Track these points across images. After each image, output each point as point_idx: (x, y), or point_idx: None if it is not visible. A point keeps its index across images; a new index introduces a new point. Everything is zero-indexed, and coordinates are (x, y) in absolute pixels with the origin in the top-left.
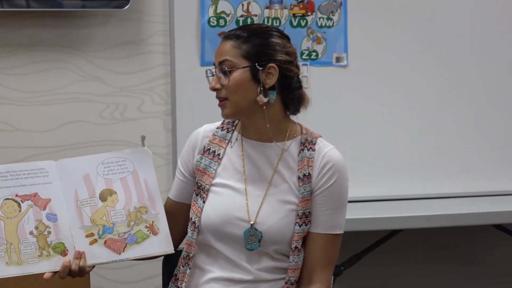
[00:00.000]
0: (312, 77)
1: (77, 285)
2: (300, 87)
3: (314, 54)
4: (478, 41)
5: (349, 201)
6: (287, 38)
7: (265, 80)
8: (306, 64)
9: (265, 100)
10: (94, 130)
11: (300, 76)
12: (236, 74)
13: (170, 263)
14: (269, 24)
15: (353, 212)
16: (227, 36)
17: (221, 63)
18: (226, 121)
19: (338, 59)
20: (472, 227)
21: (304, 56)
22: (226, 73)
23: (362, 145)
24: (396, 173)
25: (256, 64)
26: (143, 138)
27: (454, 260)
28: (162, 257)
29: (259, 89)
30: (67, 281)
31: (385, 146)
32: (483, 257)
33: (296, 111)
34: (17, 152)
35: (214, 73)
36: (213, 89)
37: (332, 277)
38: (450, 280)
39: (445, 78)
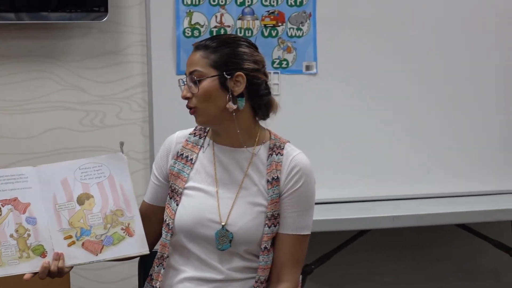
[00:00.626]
0: (283, 85)
1: (58, 285)
2: (269, 93)
3: (285, 62)
4: (441, 46)
5: (320, 203)
6: (254, 47)
7: (234, 88)
8: (277, 72)
9: (234, 107)
10: (75, 137)
11: (268, 83)
12: (205, 83)
13: (145, 264)
14: (240, 34)
15: (323, 213)
16: (197, 47)
17: (191, 73)
18: (198, 127)
19: (307, 67)
20: (437, 227)
21: (275, 65)
22: (196, 83)
23: (330, 148)
24: (363, 176)
25: (224, 73)
26: (121, 144)
27: (420, 258)
28: (138, 258)
29: (228, 97)
30: (48, 281)
31: (352, 149)
32: (448, 255)
33: (265, 116)
34: (1, 158)
35: (185, 82)
36: (185, 97)
37: (301, 276)
38: (417, 277)
39: (406, 84)
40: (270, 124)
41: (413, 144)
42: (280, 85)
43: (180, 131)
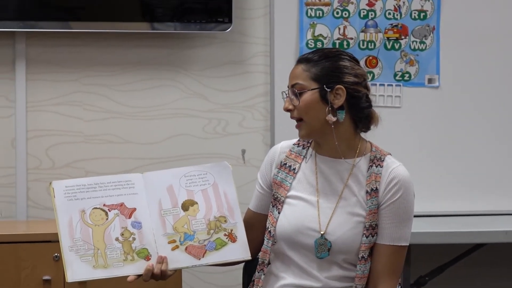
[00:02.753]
0: (404, 97)
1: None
2: (370, 106)
3: (407, 75)
4: None
5: (435, 215)
6: (356, 61)
7: (333, 101)
8: (400, 85)
9: (334, 119)
10: (198, 144)
11: (369, 96)
12: (306, 96)
13: (250, 271)
14: (363, 46)
15: (437, 226)
16: (299, 60)
17: (293, 86)
18: (303, 139)
19: (430, 81)
20: None
21: (397, 77)
22: (297, 95)
23: (451, 161)
24: (477, 189)
25: (324, 86)
26: (243, 151)
27: None
28: (243, 265)
29: (327, 109)
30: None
31: (471, 163)
32: None
33: (366, 129)
34: (126, 163)
35: (287, 94)
36: (286, 109)
37: (399, 286)
38: None
39: None
40: (387, 135)
41: None
42: (402, 97)
43: (284, 141)
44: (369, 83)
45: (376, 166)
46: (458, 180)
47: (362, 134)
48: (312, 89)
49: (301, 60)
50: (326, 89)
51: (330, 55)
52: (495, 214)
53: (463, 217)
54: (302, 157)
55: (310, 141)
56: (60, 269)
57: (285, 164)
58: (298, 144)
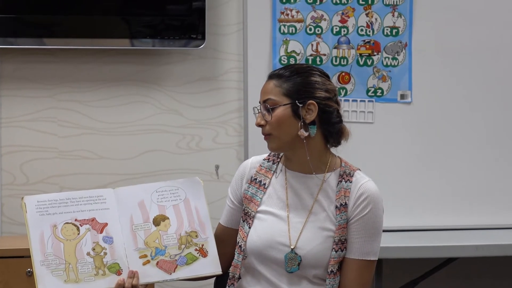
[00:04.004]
0: (377, 113)
1: None
2: (340, 121)
3: (379, 91)
4: None
5: (407, 230)
6: (326, 76)
7: (305, 116)
8: (372, 101)
9: (306, 134)
10: (172, 159)
11: (340, 111)
12: (278, 111)
13: (221, 285)
14: (335, 62)
15: (409, 241)
16: (270, 76)
17: (265, 101)
18: (272, 153)
19: (402, 96)
20: None
21: (370, 93)
22: (269, 110)
23: (422, 177)
24: (451, 205)
25: (297, 101)
26: (217, 167)
27: None
28: (214, 279)
29: (300, 124)
30: None
31: (443, 178)
32: None
33: (336, 143)
34: (100, 178)
35: (259, 110)
36: (258, 125)
37: None
38: None
39: (500, 115)
40: (360, 150)
41: (503, 177)
42: (375, 113)
43: (254, 157)
44: (339, 99)
45: (346, 181)
46: (429, 195)
47: (332, 150)
48: (284, 105)
49: (273, 76)
50: (298, 104)
51: (301, 71)
52: (466, 229)
53: (434, 232)
54: (272, 172)
55: (280, 156)
56: (33, 284)
57: (256, 179)
58: (268, 159)
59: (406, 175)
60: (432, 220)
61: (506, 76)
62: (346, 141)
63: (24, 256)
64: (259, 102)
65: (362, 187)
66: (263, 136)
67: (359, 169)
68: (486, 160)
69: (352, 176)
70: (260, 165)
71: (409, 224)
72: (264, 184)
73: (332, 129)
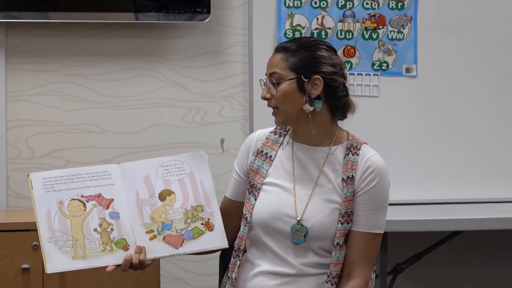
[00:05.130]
0: (382, 86)
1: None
2: (346, 95)
3: (385, 65)
4: None
5: (413, 204)
6: (333, 50)
7: (311, 91)
8: (377, 74)
9: (311, 109)
10: (177, 133)
11: (346, 85)
12: (284, 85)
13: (226, 259)
14: (340, 36)
15: (414, 214)
16: (277, 49)
17: (270, 75)
18: (279, 126)
19: (407, 70)
20: None
21: (375, 67)
22: (275, 84)
23: (427, 150)
24: (456, 179)
25: (302, 76)
26: (222, 141)
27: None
28: (219, 253)
29: (305, 99)
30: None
31: (447, 152)
32: None
33: (342, 117)
34: (105, 152)
35: (265, 83)
36: (264, 98)
37: (373, 273)
38: (509, 281)
39: (503, 88)
40: (366, 124)
41: (508, 149)
42: (380, 86)
43: (260, 130)
44: (346, 72)
45: (353, 154)
46: (434, 169)
47: (339, 123)
48: (289, 79)
49: (279, 49)
50: (304, 79)
51: (308, 45)
52: (471, 202)
53: (439, 205)
54: (278, 144)
55: (287, 129)
56: (39, 257)
57: (262, 151)
58: (275, 132)
59: (411, 149)
60: (437, 194)
61: (510, 49)
62: (353, 114)
63: (30, 229)
64: (265, 75)
65: (369, 160)
66: (270, 111)
67: (366, 143)
68: (492, 133)
69: (359, 149)
70: (267, 138)
71: (414, 198)
72: (270, 156)
73: (338, 103)
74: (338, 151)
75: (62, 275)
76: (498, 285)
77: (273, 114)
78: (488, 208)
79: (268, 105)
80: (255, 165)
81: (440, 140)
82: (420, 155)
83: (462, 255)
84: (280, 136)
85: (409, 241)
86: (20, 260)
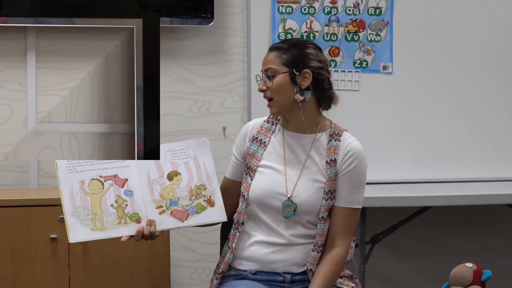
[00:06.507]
0: (362, 82)
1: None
2: (331, 88)
3: (364, 63)
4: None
5: (390, 183)
6: (319, 49)
7: (301, 82)
8: (358, 71)
9: (302, 98)
10: (185, 121)
11: (330, 79)
12: (278, 78)
13: (226, 231)
14: (326, 38)
15: (392, 191)
16: (271, 48)
17: (266, 70)
18: (271, 116)
19: (384, 67)
20: (491, 207)
21: (356, 65)
22: (270, 78)
23: (403, 137)
24: (427, 161)
25: (294, 70)
26: (224, 128)
27: (474, 234)
28: (220, 226)
29: (296, 89)
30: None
31: (419, 138)
32: (499, 233)
33: (327, 107)
34: None
35: (261, 77)
36: (261, 90)
37: (353, 242)
38: (475, 252)
39: (475, 83)
40: (348, 114)
41: (471, 137)
42: (360, 82)
43: (255, 119)
44: (330, 68)
45: (335, 140)
46: (407, 153)
47: (324, 113)
48: (283, 72)
49: (273, 48)
50: (295, 72)
51: (298, 44)
52: (439, 182)
53: (411, 184)
54: (271, 132)
55: (278, 118)
56: (65, 229)
57: (257, 138)
58: (268, 121)
59: (387, 136)
60: (410, 174)
61: (476, 50)
62: (336, 105)
63: (57, 205)
64: (261, 71)
65: (349, 145)
66: (265, 102)
67: (346, 130)
68: (457, 122)
69: (341, 135)
70: (261, 126)
71: (390, 178)
72: (264, 142)
73: (324, 95)
74: (323, 137)
75: (84, 244)
76: (463, 252)
77: (268, 106)
78: (454, 187)
79: (264, 97)
80: (251, 149)
81: (412, 128)
82: (395, 141)
83: (431, 228)
84: (272, 125)
85: (385, 215)
86: (48, 231)
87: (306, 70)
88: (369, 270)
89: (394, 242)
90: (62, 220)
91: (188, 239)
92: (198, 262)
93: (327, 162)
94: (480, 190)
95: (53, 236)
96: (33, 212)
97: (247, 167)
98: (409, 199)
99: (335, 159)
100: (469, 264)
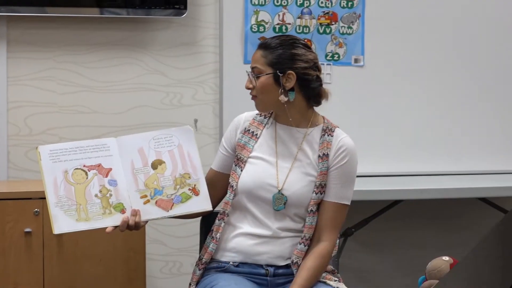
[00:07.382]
0: (334, 74)
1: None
2: (320, 85)
3: (336, 56)
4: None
5: (362, 176)
6: (308, 47)
7: (285, 84)
8: (330, 64)
9: (286, 99)
10: (157, 114)
11: (320, 76)
12: (262, 79)
13: (207, 223)
14: (298, 31)
15: (364, 185)
16: (259, 46)
17: (252, 69)
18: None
19: (356, 60)
20: (462, 201)
21: (328, 57)
22: (255, 77)
23: (374, 129)
24: (399, 155)
25: (278, 71)
26: (195, 121)
27: (446, 227)
28: (200, 218)
29: (280, 91)
30: (127, 233)
31: (392, 131)
32: (470, 226)
33: (317, 103)
34: (94, 130)
35: (249, 75)
36: (247, 88)
37: (338, 237)
38: (447, 245)
39: (445, 76)
40: (320, 108)
41: (442, 131)
42: (332, 74)
43: (248, 112)
44: (320, 65)
45: (328, 135)
46: (380, 146)
47: (316, 108)
48: (267, 74)
49: (261, 46)
50: (279, 74)
51: (285, 43)
52: (412, 175)
53: (384, 177)
54: (263, 124)
55: (271, 112)
56: (40, 222)
57: (249, 130)
58: (260, 114)
59: (359, 128)
60: (382, 168)
61: (447, 42)
62: (327, 101)
63: (31, 198)
64: (250, 68)
65: (342, 141)
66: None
67: (338, 126)
68: (427, 114)
69: (333, 131)
70: (253, 119)
71: (363, 171)
72: (256, 134)
73: (311, 93)
74: (315, 132)
75: (59, 237)
76: (435, 246)
77: (252, 99)
78: (425, 180)
79: (250, 94)
80: (242, 141)
81: (382, 122)
82: (366, 134)
83: (403, 221)
84: (265, 118)
85: (358, 208)
86: (23, 225)
87: (290, 71)
88: (341, 263)
89: (367, 236)
90: (37, 214)
91: (159, 232)
92: (169, 256)
93: (319, 156)
94: (452, 184)
95: (27, 229)
96: (6, 205)
97: (237, 158)
98: (382, 193)
99: (327, 153)
100: (446, 258)
